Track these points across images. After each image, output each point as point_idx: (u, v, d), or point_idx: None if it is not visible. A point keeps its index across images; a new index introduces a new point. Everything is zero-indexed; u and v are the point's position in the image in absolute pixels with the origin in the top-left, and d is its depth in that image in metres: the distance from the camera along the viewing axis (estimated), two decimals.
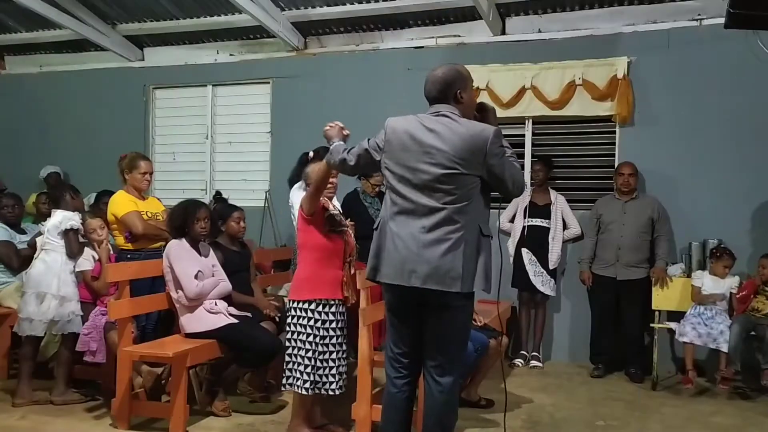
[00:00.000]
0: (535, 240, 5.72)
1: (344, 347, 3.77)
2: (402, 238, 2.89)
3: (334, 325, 3.67)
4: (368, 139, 3.11)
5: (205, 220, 4.37)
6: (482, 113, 3.10)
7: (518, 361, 5.74)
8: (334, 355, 3.67)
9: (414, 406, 3.19)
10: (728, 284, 5.08)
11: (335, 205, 3.91)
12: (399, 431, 3.10)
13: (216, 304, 4.23)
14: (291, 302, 3.70)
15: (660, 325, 5.23)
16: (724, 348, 4.82)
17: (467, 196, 2.87)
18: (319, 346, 3.62)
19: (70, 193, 4.72)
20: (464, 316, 3.00)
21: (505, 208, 5.84)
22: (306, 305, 3.63)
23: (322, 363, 3.63)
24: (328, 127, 3.38)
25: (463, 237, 2.84)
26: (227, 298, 4.37)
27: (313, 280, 3.65)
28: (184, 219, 4.31)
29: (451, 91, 2.97)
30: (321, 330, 3.63)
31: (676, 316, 5.24)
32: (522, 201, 5.75)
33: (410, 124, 2.97)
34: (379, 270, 2.98)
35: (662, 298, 5.30)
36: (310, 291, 3.64)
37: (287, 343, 3.71)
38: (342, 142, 3.28)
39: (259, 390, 4.38)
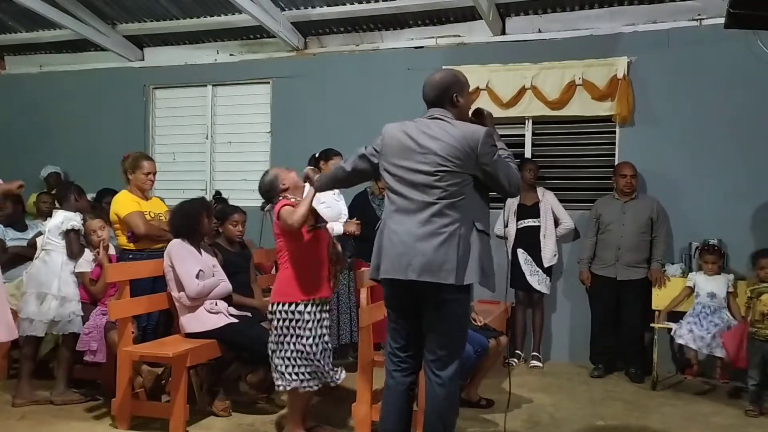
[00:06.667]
0: (529, 240, 5.71)
1: (325, 345, 3.68)
2: (398, 233, 2.97)
3: (309, 324, 3.60)
4: (365, 146, 3.20)
5: (213, 218, 4.40)
6: (479, 118, 3.17)
7: (512, 360, 5.73)
8: (311, 356, 3.59)
9: (414, 405, 3.19)
10: (722, 282, 5.09)
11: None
12: (397, 423, 3.11)
13: (216, 304, 4.22)
14: (272, 305, 3.67)
15: (660, 325, 5.22)
16: (718, 353, 4.84)
17: (460, 192, 2.94)
18: (293, 345, 3.58)
19: (75, 194, 4.71)
20: (461, 309, 3.02)
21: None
22: (285, 307, 3.60)
23: (303, 361, 3.59)
24: (307, 174, 3.59)
25: (456, 231, 2.90)
26: (228, 299, 4.36)
27: (293, 283, 3.61)
28: (197, 215, 4.29)
29: (447, 94, 3.06)
30: (303, 330, 3.58)
31: (676, 315, 5.24)
32: (512, 204, 5.76)
33: (406, 127, 3.07)
34: (380, 267, 3.03)
35: (662, 298, 5.31)
36: (291, 293, 3.61)
37: (270, 345, 3.69)
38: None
39: (260, 390, 4.38)
